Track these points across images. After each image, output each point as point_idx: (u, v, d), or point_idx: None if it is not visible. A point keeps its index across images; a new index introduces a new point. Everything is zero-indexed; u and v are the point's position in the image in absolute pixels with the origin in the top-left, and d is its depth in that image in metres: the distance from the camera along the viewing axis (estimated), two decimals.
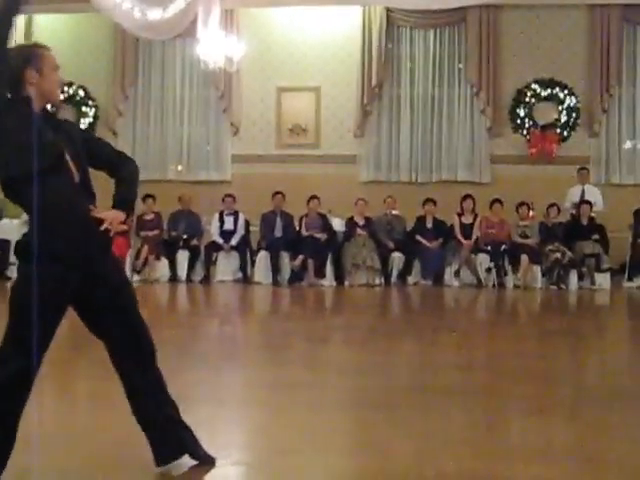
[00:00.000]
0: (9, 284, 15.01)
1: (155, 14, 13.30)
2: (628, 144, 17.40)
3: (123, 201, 4.49)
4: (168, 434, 4.53)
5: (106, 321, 4.41)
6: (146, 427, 4.50)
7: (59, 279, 4.26)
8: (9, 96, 4.40)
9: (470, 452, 5.20)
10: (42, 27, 18.33)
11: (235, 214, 16.11)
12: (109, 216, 4.31)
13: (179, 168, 18.08)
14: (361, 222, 16.04)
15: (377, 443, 5.42)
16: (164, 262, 15.88)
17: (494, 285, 15.50)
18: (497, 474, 4.74)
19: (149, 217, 16.18)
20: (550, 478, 4.65)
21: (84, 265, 4.32)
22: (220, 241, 15.91)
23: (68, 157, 4.39)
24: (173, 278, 15.70)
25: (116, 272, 4.59)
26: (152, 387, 4.51)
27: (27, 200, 4.24)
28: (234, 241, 15.95)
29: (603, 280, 15.63)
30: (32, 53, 4.44)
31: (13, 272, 15.67)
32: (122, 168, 4.59)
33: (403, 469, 4.78)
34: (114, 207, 4.42)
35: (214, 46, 15.43)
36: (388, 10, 17.26)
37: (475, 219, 15.97)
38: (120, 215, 4.39)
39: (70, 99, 17.96)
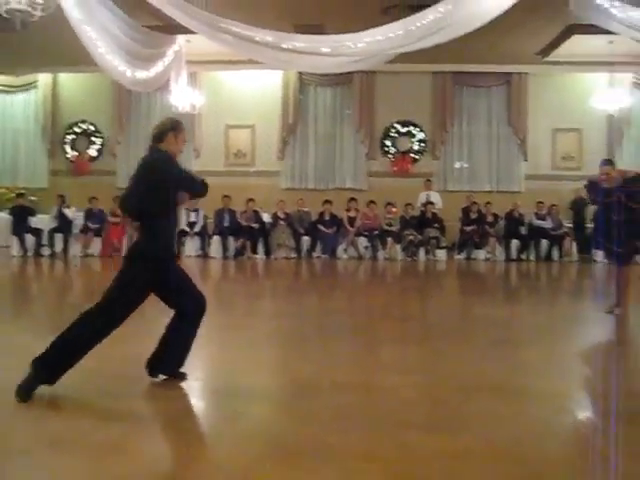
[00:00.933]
0: (42, 260, 14.77)
1: (142, 74, 13.05)
2: (457, 164, 17.66)
3: None
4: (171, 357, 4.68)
5: (174, 296, 4.61)
6: (164, 344, 4.65)
7: (153, 272, 4.43)
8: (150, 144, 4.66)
9: (353, 369, 5.29)
10: (64, 81, 17.93)
11: (197, 210, 15.98)
12: None
13: None
14: (282, 216, 16.04)
15: (290, 365, 5.48)
16: None
17: (370, 258, 15.68)
18: (372, 383, 4.86)
19: None
20: (405, 385, 4.76)
21: (167, 263, 4.53)
22: (187, 229, 15.78)
23: None
24: None
25: (177, 265, 4.76)
26: (187, 331, 4.70)
27: (154, 222, 4.45)
28: (196, 229, 15.85)
29: (441, 254, 15.92)
30: (177, 125, 4.69)
31: (46, 252, 15.41)
32: None
33: (307, 381, 4.86)
34: None
35: (182, 96, 15.26)
36: (300, 73, 17.24)
37: (357, 214, 16.09)
38: None
39: (84, 132, 17.60)
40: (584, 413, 4.40)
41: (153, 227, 4.47)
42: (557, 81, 17.14)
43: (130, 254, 4.52)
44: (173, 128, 4.64)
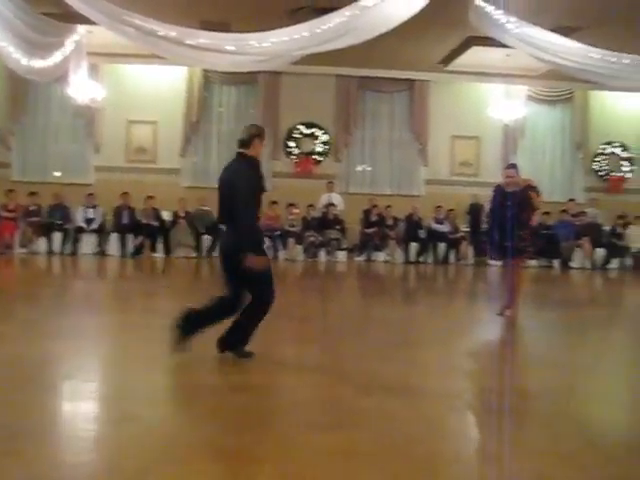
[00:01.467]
0: None
1: (38, 63, 12.55)
2: (359, 167, 17.86)
3: None
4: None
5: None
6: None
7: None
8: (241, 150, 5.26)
9: (250, 369, 5.27)
10: None
11: (95, 207, 15.59)
12: None
13: (57, 174, 17.22)
14: (182, 214, 15.81)
15: (186, 365, 5.40)
16: (43, 240, 15.19)
17: (271, 258, 15.61)
18: (268, 383, 4.88)
19: (33, 208, 15.42)
20: (301, 385, 4.79)
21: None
22: (84, 226, 15.36)
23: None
24: (50, 252, 15.04)
25: None
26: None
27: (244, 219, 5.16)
28: (94, 226, 15.44)
29: (342, 256, 16.08)
30: (262, 131, 5.31)
31: None
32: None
33: (202, 382, 4.85)
34: None
35: (82, 88, 14.80)
36: (205, 70, 17.02)
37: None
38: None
39: None
40: (475, 412, 4.53)
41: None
42: (457, 90, 17.63)
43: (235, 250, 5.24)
44: (259, 135, 5.20)
